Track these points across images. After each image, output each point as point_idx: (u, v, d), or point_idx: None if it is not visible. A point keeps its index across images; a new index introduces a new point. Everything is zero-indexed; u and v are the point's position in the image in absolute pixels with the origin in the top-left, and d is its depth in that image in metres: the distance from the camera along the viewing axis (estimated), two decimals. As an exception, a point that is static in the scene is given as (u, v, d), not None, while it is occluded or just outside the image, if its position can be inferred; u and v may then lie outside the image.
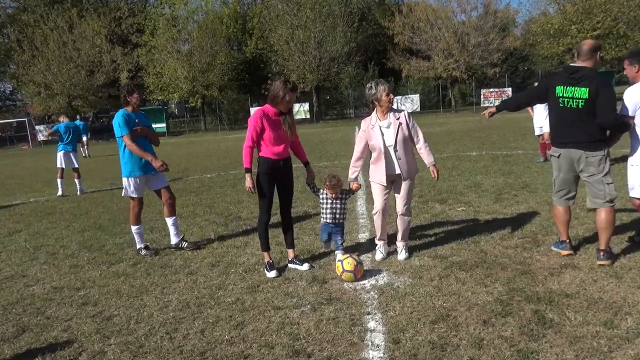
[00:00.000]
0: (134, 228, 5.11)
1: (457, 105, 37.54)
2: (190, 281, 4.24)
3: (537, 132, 9.31)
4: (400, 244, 4.47)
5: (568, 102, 3.87)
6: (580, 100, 3.82)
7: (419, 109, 34.37)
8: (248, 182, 4.18)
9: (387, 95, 4.23)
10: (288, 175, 4.33)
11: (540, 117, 9.13)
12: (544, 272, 3.85)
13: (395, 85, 37.91)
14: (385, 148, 4.28)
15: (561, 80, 3.92)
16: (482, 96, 33.53)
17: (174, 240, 5.17)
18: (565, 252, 4.16)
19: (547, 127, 9.25)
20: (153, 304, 3.80)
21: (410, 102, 34.32)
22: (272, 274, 4.22)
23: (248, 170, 4.18)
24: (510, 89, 33.60)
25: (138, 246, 5.13)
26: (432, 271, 4.01)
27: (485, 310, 3.27)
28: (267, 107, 4.18)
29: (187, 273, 4.46)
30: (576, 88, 3.83)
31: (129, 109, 4.95)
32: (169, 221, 5.16)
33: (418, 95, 35.00)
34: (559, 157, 4.02)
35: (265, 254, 4.38)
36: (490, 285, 3.66)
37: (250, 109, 36.37)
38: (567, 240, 4.18)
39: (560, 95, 3.91)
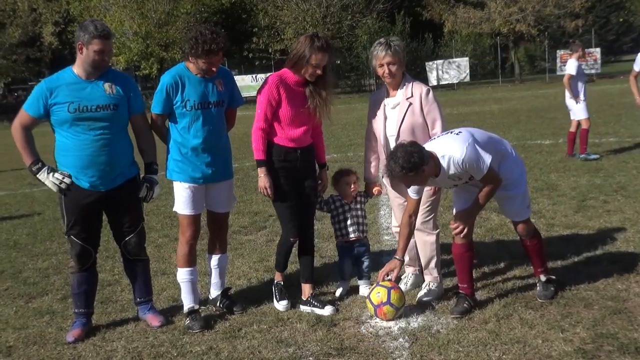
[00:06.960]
0: (181, 272, 4.22)
1: (522, 73, 37.50)
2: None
3: None
4: (427, 279, 4.40)
5: None
6: None
7: (468, 78, 34.34)
8: (262, 180, 4.07)
9: (381, 65, 4.13)
10: (308, 172, 4.31)
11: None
12: (646, 311, 3.85)
13: (434, 46, 37.92)
14: (385, 138, 4.25)
15: None
16: (558, 60, 33.45)
17: (213, 292, 4.47)
18: None
19: None
20: (90, 354, 3.82)
21: (457, 69, 34.23)
22: (282, 305, 4.26)
23: (261, 163, 4.07)
24: (598, 49, 33.50)
25: (186, 306, 4.21)
26: (487, 309, 4.02)
27: (563, 365, 3.28)
28: (285, 72, 4.13)
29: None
30: None
31: (192, 67, 4.03)
32: (214, 261, 4.45)
33: (467, 58, 34.93)
34: None
35: (278, 273, 4.41)
36: (569, 329, 3.67)
37: (228, 78, 36.35)
38: None
39: None
